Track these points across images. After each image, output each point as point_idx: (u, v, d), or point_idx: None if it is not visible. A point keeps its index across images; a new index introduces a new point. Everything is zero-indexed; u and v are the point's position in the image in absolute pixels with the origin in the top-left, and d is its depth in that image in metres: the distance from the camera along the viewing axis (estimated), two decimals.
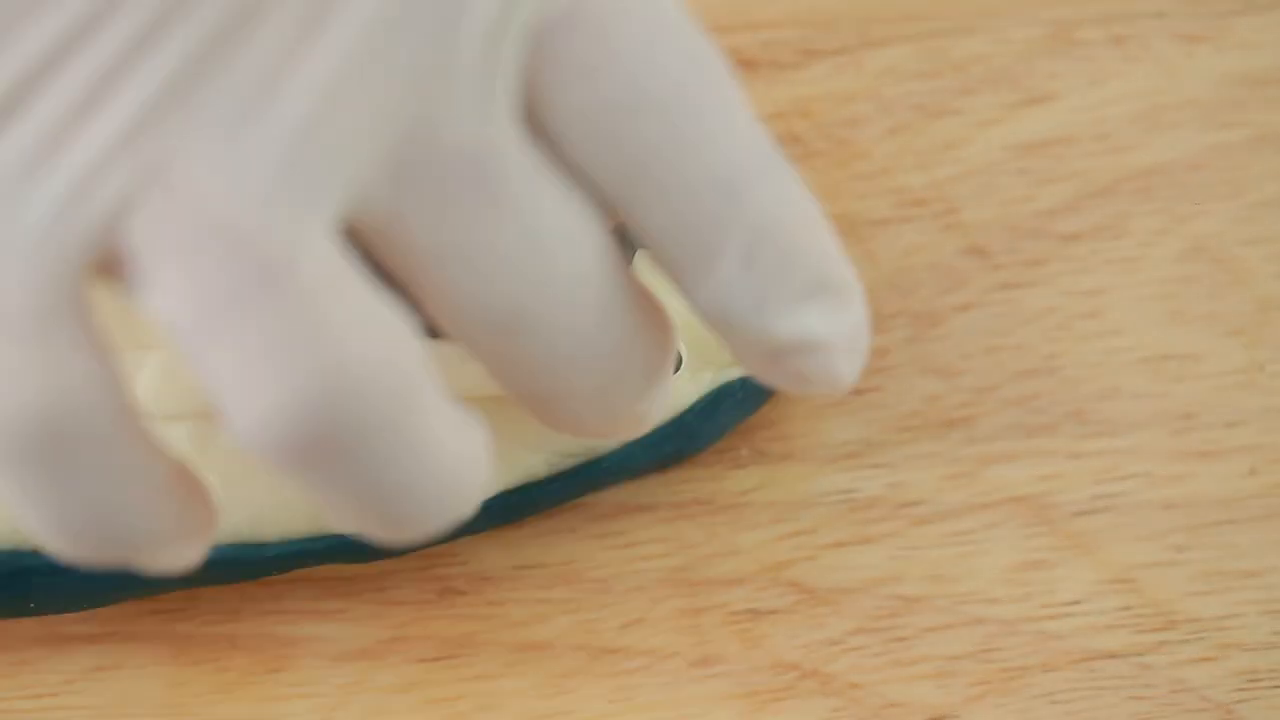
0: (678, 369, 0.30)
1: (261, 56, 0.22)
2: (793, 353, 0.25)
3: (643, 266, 0.31)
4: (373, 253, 0.24)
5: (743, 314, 0.25)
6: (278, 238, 0.21)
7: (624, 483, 0.32)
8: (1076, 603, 0.31)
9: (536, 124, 0.24)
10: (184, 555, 0.24)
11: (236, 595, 0.32)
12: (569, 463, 0.31)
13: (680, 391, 0.31)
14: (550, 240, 0.23)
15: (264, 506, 0.29)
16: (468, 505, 0.24)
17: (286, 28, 0.22)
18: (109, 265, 0.22)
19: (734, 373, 0.32)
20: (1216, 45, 0.36)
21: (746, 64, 0.36)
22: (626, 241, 0.29)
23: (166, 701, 0.31)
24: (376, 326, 0.22)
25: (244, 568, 0.30)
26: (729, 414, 0.32)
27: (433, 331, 0.28)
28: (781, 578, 0.32)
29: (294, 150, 0.22)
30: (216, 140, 0.21)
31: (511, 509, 0.31)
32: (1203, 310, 0.34)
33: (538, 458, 0.30)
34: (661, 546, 0.32)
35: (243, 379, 0.21)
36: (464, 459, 0.23)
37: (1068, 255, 0.34)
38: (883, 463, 0.33)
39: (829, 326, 0.25)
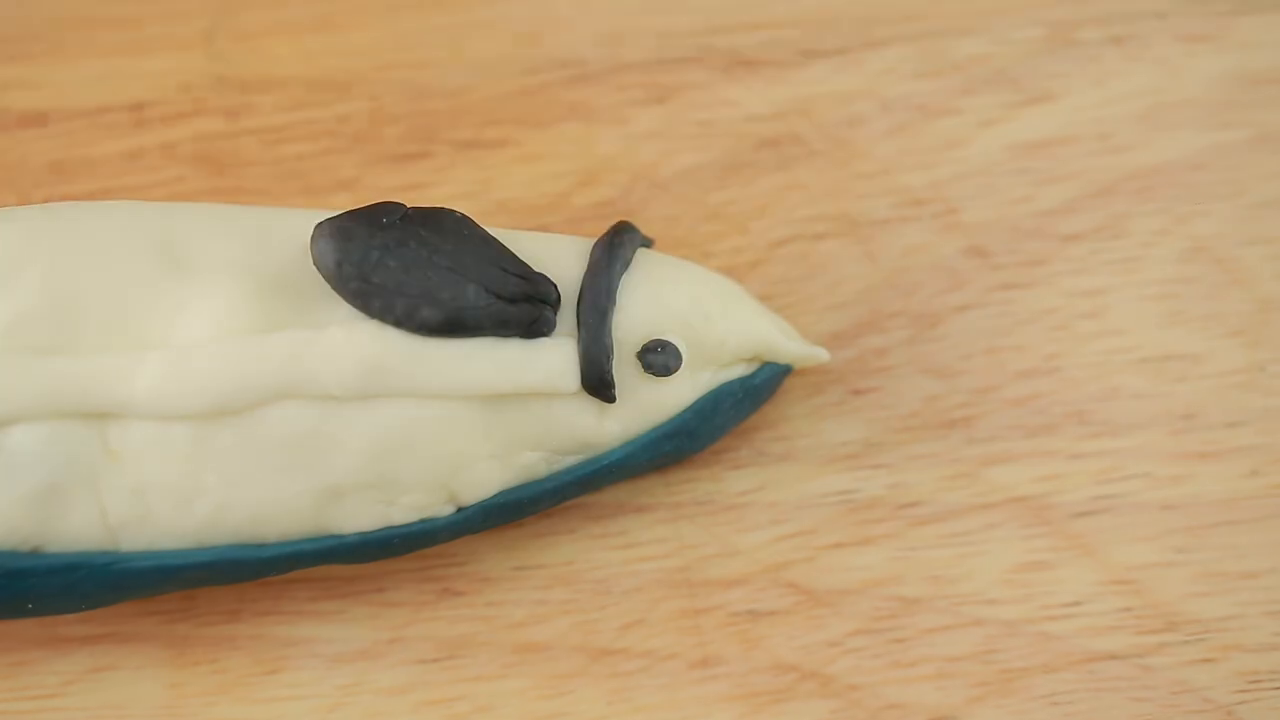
0: (678, 369, 0.30)
1: None
2: None
3: (647, 260, 0.31)
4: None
5: None
6: None
7: (623, 483, 0.32)
8: (1077, 604, 0.31)
9: None
10: None
11: (235, 596, 0.31)
12: (568, 462, 0.31)
13: (679, 391, 0.31)
14: None
15: (264, 507, 0.29)
16: None
17: None
18: None
19: (733, 373, 0.31)
20: (1217, 45, 0.36)
21: (746, 64, 0.36)
22: (626, 240, 0.30)
23: (164, 703, 0.31)
24: None
25: (243, 568, 0.30)
26: (728, 414, 0.32)
27: (434, 329, 0.29)
28: (781, 579, 0.32)
29: None
30: None
31: (510, 509, 0.30)
32: (1203, 311, 0.33)
33: (535, 456, 0.30)
34: (661, 547, 0.32)
35: None
36: None
37: (1068, 255, 0.34)
38: (883, 463, 0.32)
39: None
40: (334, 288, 0.29)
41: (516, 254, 0.30)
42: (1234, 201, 0.34)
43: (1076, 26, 0.36)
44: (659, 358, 0.30)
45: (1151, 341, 0.33)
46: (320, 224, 0.29)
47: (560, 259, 0.30)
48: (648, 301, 0.30)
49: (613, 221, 0.31)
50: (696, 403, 0.31)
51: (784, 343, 0.32)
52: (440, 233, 0.29)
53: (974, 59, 0.36)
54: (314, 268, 0.29)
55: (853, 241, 0.34)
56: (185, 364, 0.28)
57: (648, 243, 0.32)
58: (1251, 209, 0.34)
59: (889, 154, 0.35)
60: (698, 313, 0.31)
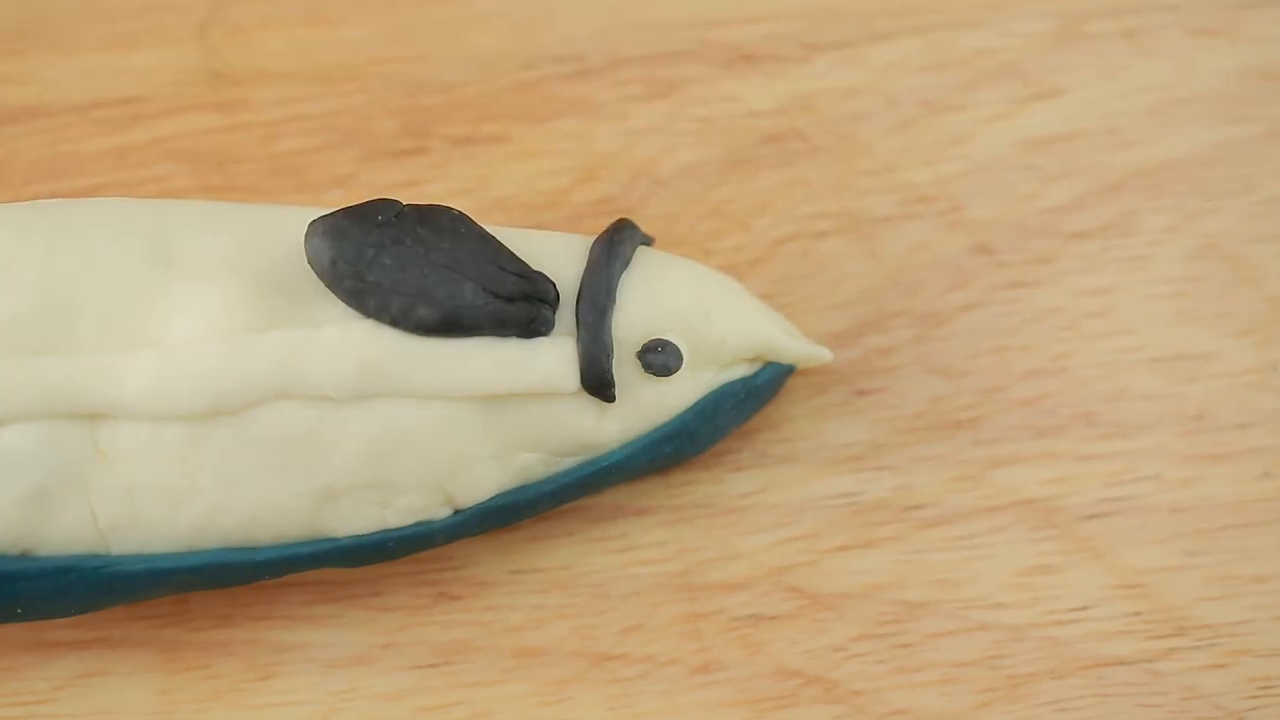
0: (678, 368, 0.30)
1: None
2: None
3: (647, 259, 0.31)
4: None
5: None
6: None
7: (623, 485, 0.32)
8: (1085, 608, 0.31)
9: None
10: None
11: (227, 600, 0.31)
12: (567, 463, 0.30)
13: (680, 392, 0.31)
14: None
15: (258, 509, 0.29)
16: None
17: None
18: None
19: (735, 373, 0.31)
20: (1229, 38, 0.35)
21: (747, 58, 0.36)
22: (626, 238, 0.30)
23: (155, 708, 0.30)
24: None
25: (236, 572, 0.30)
26: (730, 415, 0.31)
27: (431, 329, 0.28)
28: (783, 583, 0.31)
29: None
30: None
31: (508, 512, 0.30)
32: (1213, 309, 0.33)
33: (533, 457, 0.30)
34: (661, 550, 0.32)
35: None
36: None
37: (1076, 253, 0.34)
38: (887, 465, 0.32)
39: None
40: (329, 286, 0.29)
41: (514, 252, 0.29)
42: (1245, 198, 0.34)
43: (1086, 19, 0.36)
44: (659, 357, 0.30)
45: (1161, 341, 0.33)
46: (314, 221, 0.29)
47: (559, 257, 0.30)
48: (648, 300, 0.30)
49: (612, 219, 0.31)
50: (697, 403, 0.31)
51: (786, 342, 0.31)
52: (437, 230, 0.29)
53: (980, 52, 0.36)
54: (308, 266, 0.29)
55: (856, 239, 0.34)
56: (178, 364, 0.28)
57: (648, 240, 0.31)
58: (1262, 206, 0.34)
59: (893, 150, 0.35)
60: (698, 312, 0.30)
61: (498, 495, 0.30)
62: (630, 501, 0.32)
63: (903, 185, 0.34)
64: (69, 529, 0.29)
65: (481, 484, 0.30)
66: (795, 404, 0.33)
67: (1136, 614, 0.31)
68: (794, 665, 0.31)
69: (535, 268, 0.29)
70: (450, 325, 0.29)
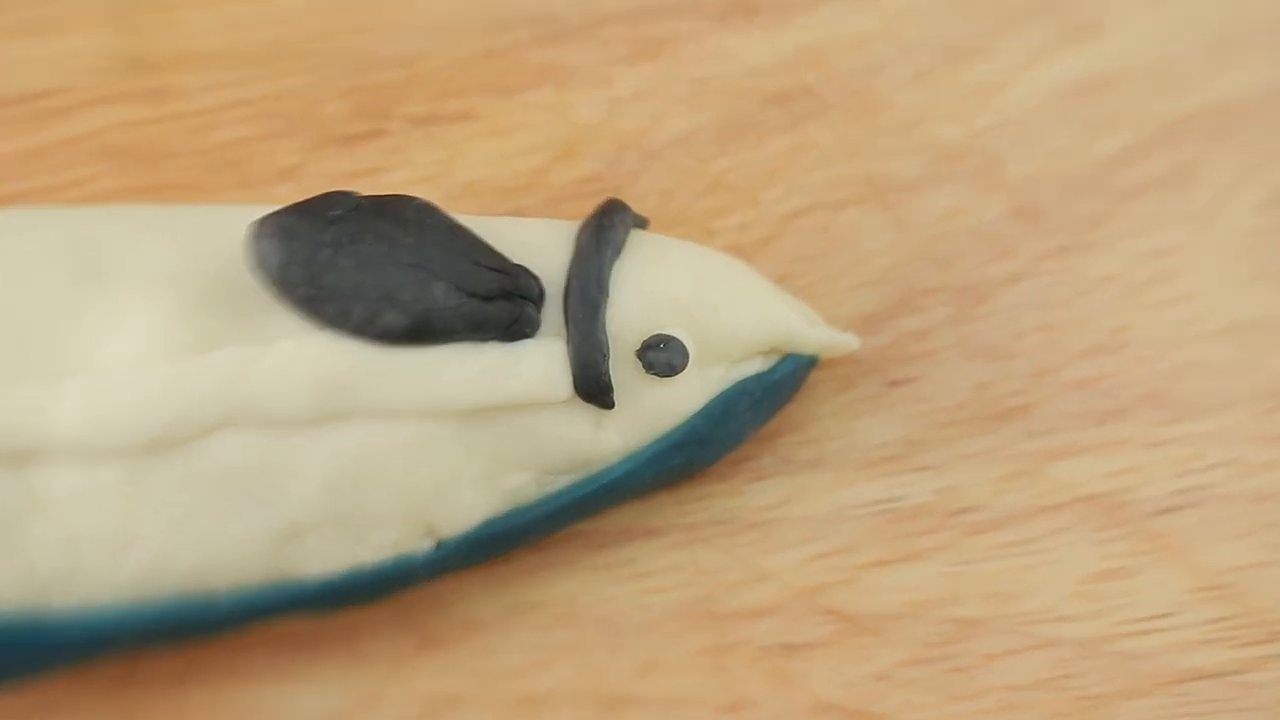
0: (684, 367, 0.29)
1: None
2: None
3: (641, 244, 0.30)
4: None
5: None
6: None
7: (628, 504, 0.31)
8: (1163, 616, 0.30)
9: None
10: None
11: (183, 657, 0.30)
12: (562, 482, 0.29)
13: (687, 393, 0.30)
14: None
15: (211, 554, 0.28)
16: None
17: None
18: None
19: (749, 368, 0.30)
20: None
21: (745, 9, 0.35)
22: (617, 221, 0.29)
23: None
24: None
25: (191, 627, 0.28)
26: (746, 417, 0.30)
27: (399, 336, 0.28)
28: (817, 605, 0.30)
29: None
30: None
31: (498, 541, 0.29)
32: None
33: (524, 477, 0.29)
34: (676, 576, 0.31)
35: None
36: None
37: (1130, 212, 0.33)
38: (928, 465, 0.31)
39: None
40: (279, 295, 0.28)
41: (489, 244, 0.29)
42: None
43: None
44: (661, 355, 0.29)
45: (1232, 307, 0.32)
46: (259, 221, 0.28)
47: (541, 247, 0.29)
48: (645, 291, 0.29)
49: (599, 200, 0.30)
50: (708, 405, 0.30)
51: (806, 330, 0.31)
52: (400, 224, 0.28)
53: None
54: (254, 273, 0.28)
55: (879, 208, 0.33)
56: (111, 392, 0.27)
57: (641, 223, 0.31)
58: None
59: (915, 104, 0.34)
60: (703, 301, 0.30)
61: (486, 523, 0.29)
62: (638, 522, 0.31)
63: (929, 144, 0.34)
64: (1, 585, 0.27)
65: (466, 511, 0.29)
66: (820, 401, 0.32)
67: (1222, 619, 0.30)
68: (833, 698, 0.30)
69: (514, 260, 0.29)
70: (420, 331, 0.28)
